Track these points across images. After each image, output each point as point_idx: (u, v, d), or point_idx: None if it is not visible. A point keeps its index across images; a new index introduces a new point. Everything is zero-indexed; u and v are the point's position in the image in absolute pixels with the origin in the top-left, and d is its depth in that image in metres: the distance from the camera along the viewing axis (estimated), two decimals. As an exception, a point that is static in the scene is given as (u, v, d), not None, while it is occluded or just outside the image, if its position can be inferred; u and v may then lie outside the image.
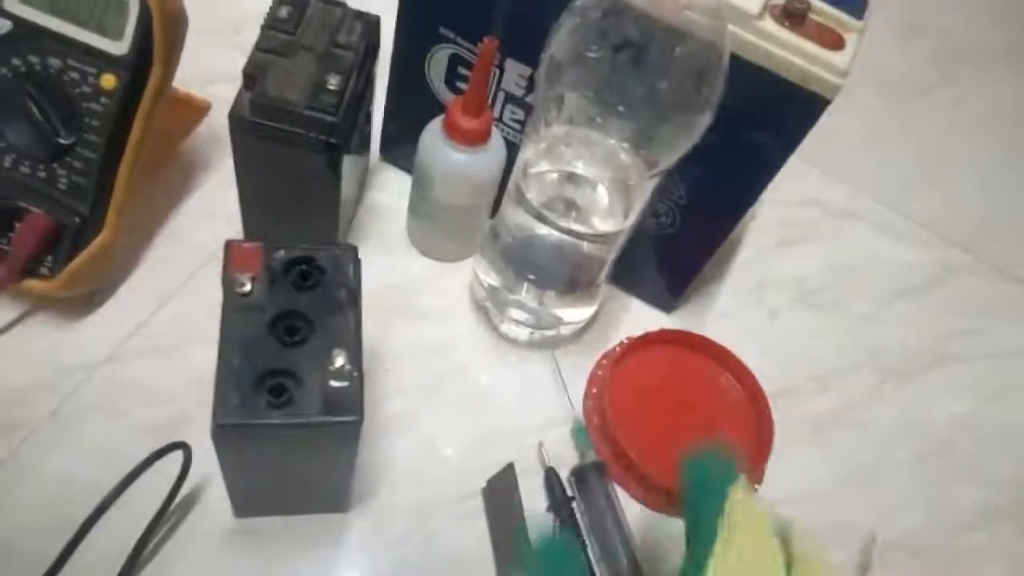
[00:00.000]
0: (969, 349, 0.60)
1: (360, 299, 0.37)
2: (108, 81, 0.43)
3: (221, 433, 0.33)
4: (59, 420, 0.44)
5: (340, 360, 0.34)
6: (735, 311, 0.57)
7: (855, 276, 0.63)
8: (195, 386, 0.45)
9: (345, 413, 0.34)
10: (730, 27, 0.37)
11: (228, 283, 0.36)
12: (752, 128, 0.41)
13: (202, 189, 0.54)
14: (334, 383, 0.34)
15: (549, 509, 0.46)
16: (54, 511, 0.41)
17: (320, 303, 0.36)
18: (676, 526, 0.47)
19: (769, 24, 0.38)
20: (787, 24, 0.39)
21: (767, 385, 0.51)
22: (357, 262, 0.38)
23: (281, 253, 0.37)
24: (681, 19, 0.35)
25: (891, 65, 0.78)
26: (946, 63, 0.82)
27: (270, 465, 0.38)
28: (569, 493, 0.46)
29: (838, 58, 0.38)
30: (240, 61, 0.42)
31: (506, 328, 0.52)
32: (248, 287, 0.36)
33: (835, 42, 0.39)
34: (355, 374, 0.34)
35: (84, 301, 0.48)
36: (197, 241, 0.51)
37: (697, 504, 0.35)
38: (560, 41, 0.37)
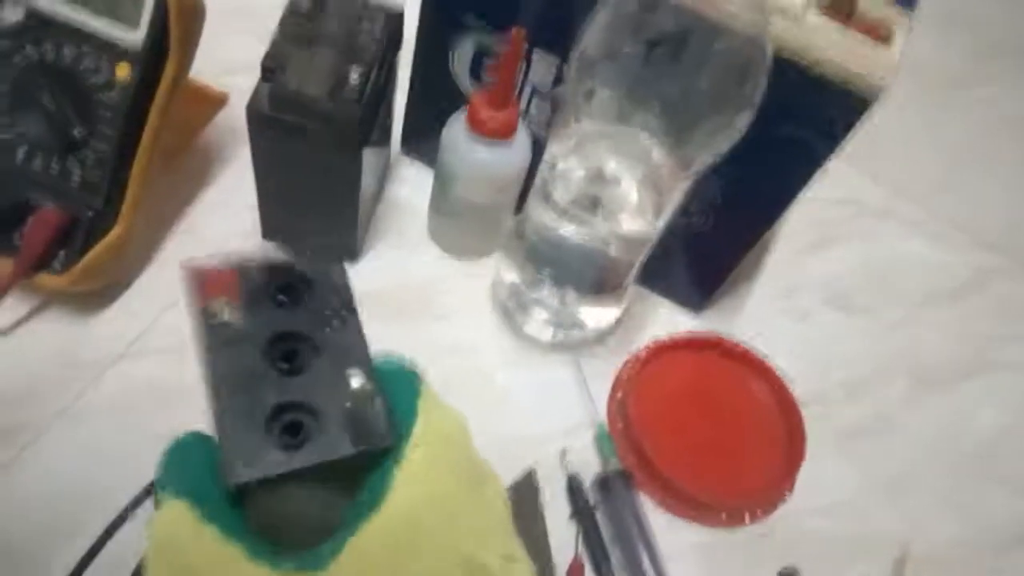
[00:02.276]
0: (1007, 355, 0.58)
1: (355, 304, 0.33)
2: (123, 72, 0.42)
3: (239, 490, 0.29)
4: (70, 419, 0.43)
5: (357, 380, 0.30)
6: (765, 314, 0.55)
7: (888, 279, 0.61)
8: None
9: (376, 440, 0.31)
10: (773, 21, 0.35)
11: (204, 316, 0.31)
12: (793, 127, 0.39)
13: (219, 182, 0.53)
14: (355, 407, 0.30)
15: (572, 517, 0.44)
16: (62, 513, 0.40)
17: (313, 318, 0.32)
18: (703, 535, 0.46)
19: (814, 18, 0.36)
20: (833, 19, 0.37)
21: (797, 391, 0.50)
22: (342, 266, 0.34)
23: (255, 269, 0.33)
24: (721, 13, 0.33)
25: (926, 60, 0.75)
26: (983, 59, 0.79)
27: (293, 501, 0.34)
28: (592, 502, 0.44)
29: (885, 56, 0.37)
30: (258, 51, 0.40)
31: (528, 329, 0.50)
32: (228, 315, 0.32)
33: (882, 39, 0.37)
34: (377, 393, 0.31)
35: (97, 297, 0.46)
36: (213, 235, 0.50)
37: (393, 395, 0.33)
38: (593, 34, 0.36)
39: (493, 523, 0.34)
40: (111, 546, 0.37)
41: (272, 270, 0.33)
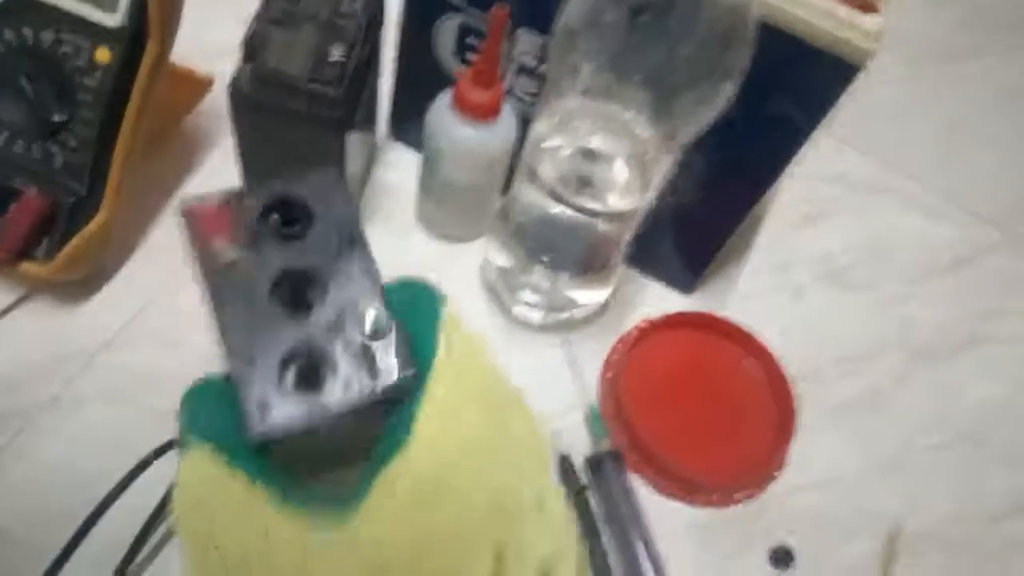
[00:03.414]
0: (1001, 330, 0.57)
1: (363, 231, 0.31)
2: (103, 55, 0.41)
3: (261, 443, 0.29)
4: (58, 407, 0.43)
5: (372, 314, 0.28)
6: (757, 291, 0.55)
7: (882, 254, 0.60)
8: (198, 372, 0.44)
9: (397, 383, 0.29)
10: (756, -11, 0.35)
11: (204, 259, 0.30)
12: (778, 97, 0.39)
13: (205, 167, 0.53)
14: (374, 344, 0.29)
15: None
16: (53, 500, 0.40)
17: (319, 250, 0.30)
18: (695, 514, 0.45)
19: (798, -14, 0.36)
20: (817, -14, 0.36)
21: (790, 368, 0.50)
22: (344, 186, 0.32)
23: (252, 200, 0.30)
24: (704, -20, 0.33)
25: (918, 32, 0.75)
26: (975, 31, 0.78)
27: (315, 439, 0.32)
28: (583, 481, 0.44)
29: (870, 21, 0.36)
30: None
31: (517, 311, 0.50)
32: (229, 256, 0.29)
33: (867, 5, 0.37)
34: (394, 329, 0.29)
35: (82, 284, 0.46)
36: (199, 222, 0.50)
37: (412, 325, 0.32)
38: (575, 5, 0.35)
39: (523, 456, 0.33)
40: (96, 535, 0.37)
41: (270, 201, 0.31)
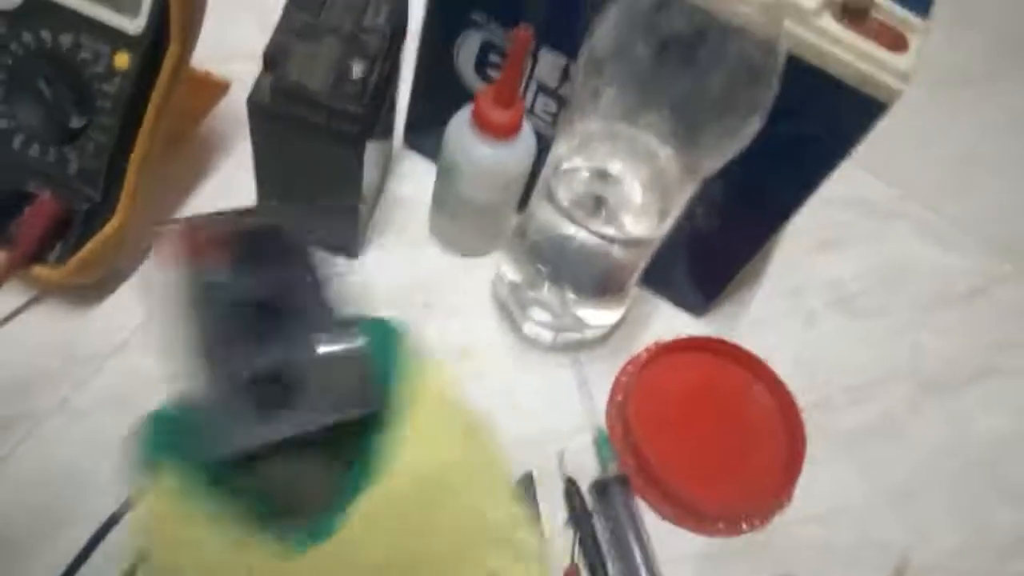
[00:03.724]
0: (1013, 362, 0.57)
1: (324, 263, 0.32)
2: (122, 60, 0.41)
3: (223, 469, 0.29)
4: (68, 412, 0.43)
5: (337, 343, 0.29)
6: (769, 316, 0.55)
7: (895, 281, 0.60)
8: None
9: (359, 404, 0.29)
10: (786, 23, 0.34)
11: (174, 281, 0.30)
12: (803, 131, 0.38)
13: (221, 171, 0.53)
14: (336, 371, 0.29)
15: (568, 522, 0.44)
16: (62, 506, 0.40)
17: (286, 277, 0.31)
18: (701, 543, 0.45)
19: (828, 21, 0.36)
20: (847, 22, 0.36)
21: (800, 395, 0.49)
22: (296, 227, 0.32)
23: (226, 230, 0.31)
24: (735, 14, 0.32)
25: (937, 59, 0.74)
26: (995, 58, 0.78)
27: (283, 468, 0.32)
28: (590, 506, 0.44)
29: (900, 61, 0.36)
30: (263, 38, 0.40)
31: (528, 329, 0.49)
32: (198, 279, 0.30)
33: (898, 43, 0.36)
34: (360, 355, 0.30)
35: (95, 289, 0.46)
36: (213, 227, 0.49)
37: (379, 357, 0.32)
38: (603, 32, 0.35)
39: (493, 482, 0.34)
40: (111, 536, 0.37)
41: (242, 232, 0.31)
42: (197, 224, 0.31)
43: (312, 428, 0.29)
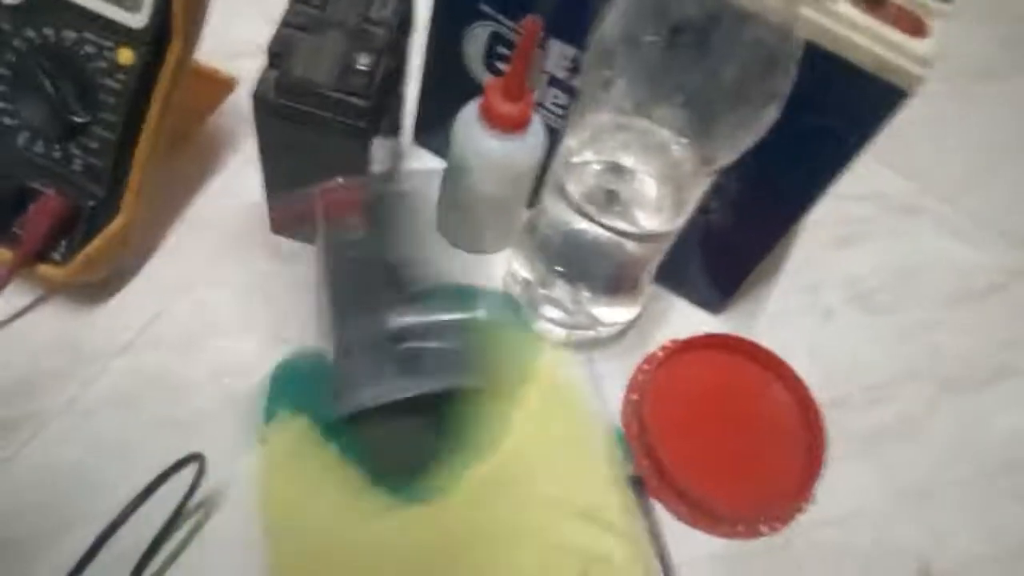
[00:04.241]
0: (1035, 361, 0.56)
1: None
2: (126, 56, 0.40)
3: (351, 420, 0.30)
4: (73, 413, 0.42)
5: (481, 312, 0.31)
6: (786, 314, 0.54)
7: (913, 277, 0.58)
8: (216, 379, 0.43)
9: (492, 376, 0.31)
10: (803, 8, 0.33)
11: (329, 235, 0.31)
12: (821, 121, 0.37)
13: (227, 169, 0.52)
14: (475, 340, 0.31)
15: (582, 523, 0.43)
16: (68, 507, 0.39)
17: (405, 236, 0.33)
18: (718, 545, 0.44)
19: (845, 6, 0.35)
20: (865, 7, 0.35)
21: (817, 394, 0.48)
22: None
23: (383, 191, 0.33)
24: (749, 0, 0.31)
25: (956, 49, 0.72)
26: (1016, 49, 0.76)
27: (397, 431, 0.35)
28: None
29: (921, 46, 0.35)
30: (270, 35, 0.39)
31: (540, 327, 0.48)
32: (352, 236, 0.32)
33: (917, 28, 0.35)
34: (499, 328, 0.32)
35: (100, 287, 0.45)
36: (221, 224, 0.49)
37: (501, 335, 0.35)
38: (613, 21, 0.34)
39: (610, 473, 0.35)
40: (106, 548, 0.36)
41: (398, 194, 0.33)
42: (346, 186, 0.32)
43: (447, 388, 0.30)
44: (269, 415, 0.33)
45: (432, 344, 0.30)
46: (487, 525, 0.32)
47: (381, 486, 0.32)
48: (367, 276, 0.31)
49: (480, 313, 0.31)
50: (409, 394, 0.29)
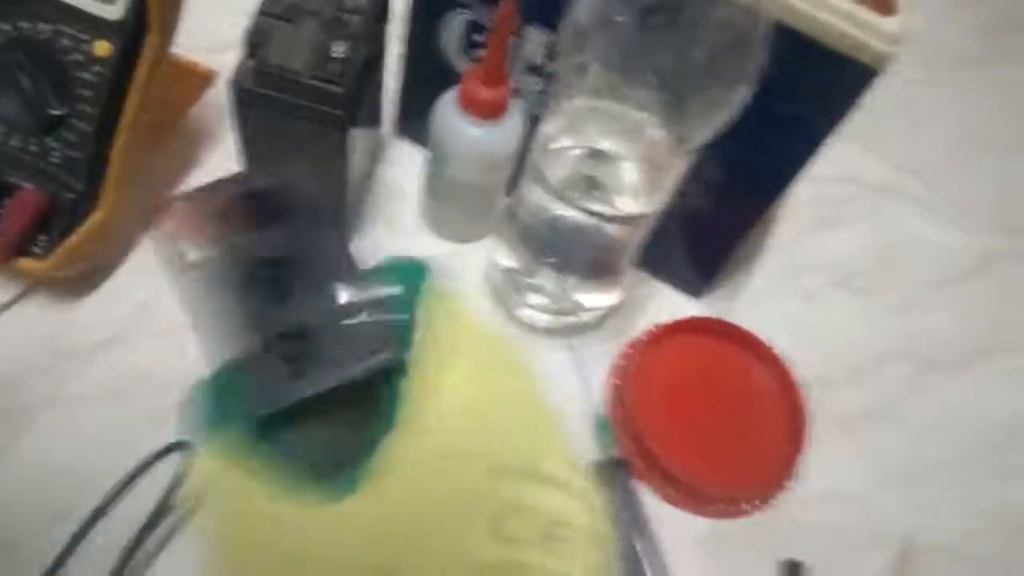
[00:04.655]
0: (1016, 341, 0.56)
1: (331, 211, 0.32)
2: (102, 48, 0.40)
3: (265, 426, 0.30)
4: (57, 407, 0.42)
5: (345, 295, 0.29)
6: (768, 296, 0.54)
7: (894, 259, 0.59)
8: (200, 370, 0.43)
9: (379, 355, 0.30)
10: (772, -12, 0.34)
11: (175, 258, 0.31)
12: (792, 101, 0.37)
13: (208, 162, 0.52)
14: (352, 324, 0.30)
15: (567, 506, 0.43)
16: (50, 501, 0.39)
17: (290, 235, 0.31)
18: (703, 525, 0.44)
19: (815, -15, 0.35)
20: (835, -14, 0.35)
21: (800, 375, 0.48)
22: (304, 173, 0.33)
23: (218, 195, 0.32)
24: (718, -21, 0.32)
25: (935, 35, 0.73)
26: (994, 35, 0.77)
27: (313, 428, 0.34)
28: (588, 490, 0.43)
29: (889, 24, 0.35)
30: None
31: (523, 314, 0.49)
32: (199, 252, 0.31)
33: (885, 6, 0.35)
34: (374, 305, 0.30)
35: (81, 282, 0.45)
36: (201, 218, 0.49)
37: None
38: (584, 3, 0.34)
39: (528, 423, 0.34)
40: (100, 527, 0.37)
41: (234, 192, 0.32)
42: (200, 195, 0.31)
43: (339, 382, 0.29)
44: (196, 432, 0.33)
45: (329, 334, 0.29)
46: (432, 501, 0.31)
47: (312, 484, 0.31)
48: (254, 279, 0.30)
49: (381, 291, 0.30)
50: (302, 396, 0.29)
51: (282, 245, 0.31)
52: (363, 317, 0.29)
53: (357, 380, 0.29)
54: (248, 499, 0.31)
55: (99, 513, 0.37)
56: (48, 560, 0.36)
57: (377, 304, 0.29)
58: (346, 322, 0.29)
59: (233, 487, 0.31)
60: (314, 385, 0.29)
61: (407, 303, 0.33)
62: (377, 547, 0.30)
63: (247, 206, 0.31)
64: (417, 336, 0.32)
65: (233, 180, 0.32)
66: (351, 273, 0.30)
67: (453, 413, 0.32)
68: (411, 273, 0.34)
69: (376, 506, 0.31)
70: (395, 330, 0.30)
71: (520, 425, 0.34)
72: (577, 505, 0.33)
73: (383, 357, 0.29)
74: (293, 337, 0.29)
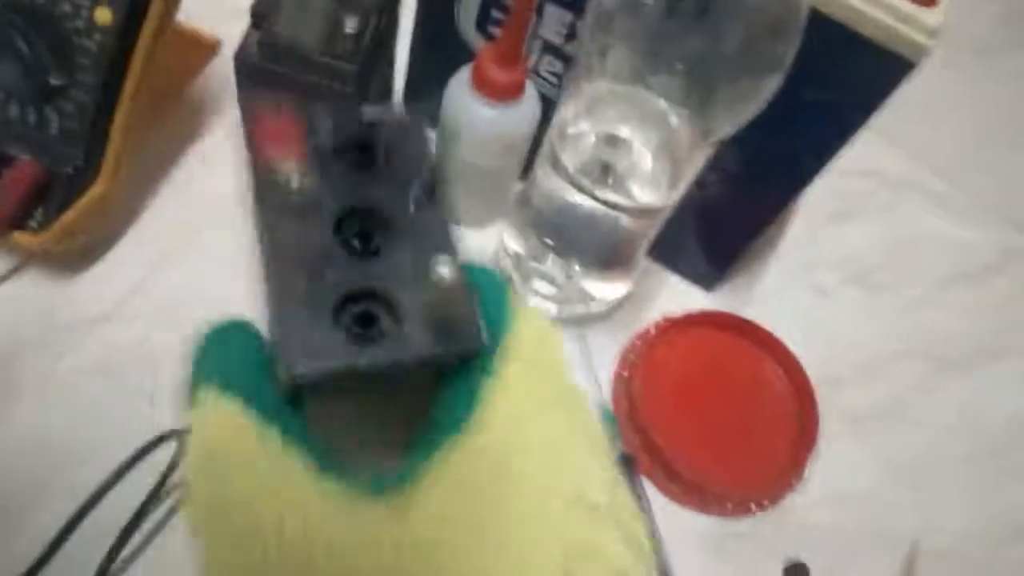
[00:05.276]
0: (1030, 342, 0.55)
1: (440, 183, 0.28)
2: (103, 16, 0.39)
3: (300, 384, 0.25)
4: (52, 383, 0.41)
5: (446, 269, 0.24)
6: (781, 291, 0.53)
7: (910, 256, 0.58)
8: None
9: (466, 342, 0.25)
10: (808, -25, 0.32)
11: (265, 174, 0.26)
12: (824, 93, 0.36)
13: (211, 135, 0.50)
14: (442, 301, 0.25)
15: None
16: (45, 477, 0.39)
17: (393, 189, 0.27)
18: (708, 524, 0.44)
19: (853, -27, 0.33)
20: (873, -26, 0.33)
21: (811, 372, 0.47)
22: (425, 135, 0.29)
23: (328, 125, 0.27)
24: (753, -36, 0.30)
25: (958, 24, 0.71)
26: (1017, 25, 0.75)
27: (355, 409, 0.30)
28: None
29: (930, 16, 0.33)
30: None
31: (531, 302, 0.48)
32: (293, 179, 0.26)
33: (926, -2, 0.34)
34: (468, 288, 0.26)
35: (79, 256, 0.44)
36: (204, 192, 0.48)
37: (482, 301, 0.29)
38: (611, -15, 0.32)
39: (592, 458, 0.29)
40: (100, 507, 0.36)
41: (344, 123, 0.27)
42: (270, 108, 0.27)
43: (407, 360, 0.25)
44: (194, 394, 0.27)
45: (391, 306, 0.25)
46: (490, 526, 0.26)
47: (335, 475, 0.26)
48: (310, 230, 0.26)
49: (450, 271, 0.25)
50: (362, 364, 0.24)
51: (380, 195, 0.27)
52: (449, 295, 0.25)
53: (436, 360, 0.25)
54: (252, 480, 0.25)
55: (90, 504, 0.35)
56: (34, 539, 0.35)
57: (465, 286, 0.25)
58: (429, 295, 0.25)
59: (248, 459, 0.25)
60: (384, 355, 0.24)
61: (502, 299, 0.29)
62: (408, 566, 0.25)
63: (346, 141, 0.27)
64: (506, 339, 0.27)
65: (339, 111, 0.28)
66: (449, 247, 0.27)
67: (531, 436, 0.27)
68: (490, 278, 0.30)
69: (418, 518, 0.26)
70: (478, 319, 0.26)
71: (598, 469, 0.29)
72: (609, 535, 0.29)
73: (471, 342, 0.25)
74: (368, 299, 0.26)
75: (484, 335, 0.26)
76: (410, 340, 0.25)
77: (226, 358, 0.27)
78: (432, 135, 0.28)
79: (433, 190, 0.28)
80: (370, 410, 0.28)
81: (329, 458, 0.26)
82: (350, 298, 0.25)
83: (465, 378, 0.27)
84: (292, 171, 0.26)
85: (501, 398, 0.27)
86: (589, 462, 0.29)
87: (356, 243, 0.26)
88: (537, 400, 0.28)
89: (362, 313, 0.25)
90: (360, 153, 0.27)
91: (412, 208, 0.27)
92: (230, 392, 0.26)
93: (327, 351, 0.24)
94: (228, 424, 0.26)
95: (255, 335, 0.27)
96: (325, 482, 0.25)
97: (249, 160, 0.27)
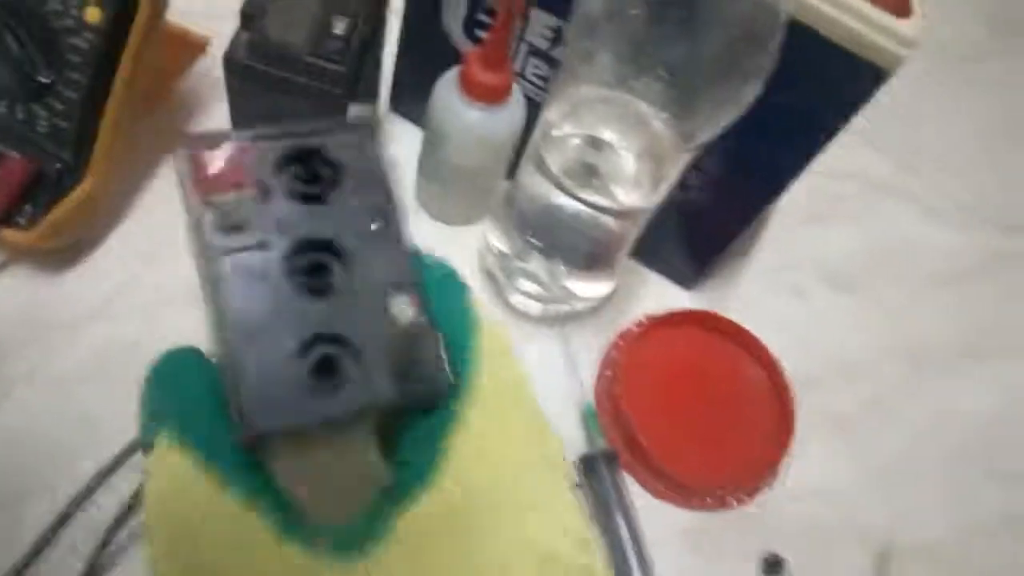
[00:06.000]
0: (1009, 344, 0.56)
1: (399, 203, 0.26)
2: (93, 14, 0.39)
3: (253, 446, 0.23)
4: (39, 382, 0.41)
5: (404, 309, 0.23)
6: (760, 291, 0.54)
7: (888, 258, 0.59)
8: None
9: (430, 387, 0.24)
10: (787, -16, 0.33)
11: (205, 217, 0.24)
12: (801, 99, 0.37)
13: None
14: (403, 344, 0.24)
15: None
16: (30, 477, 0.39)
17: (346, 217, 0.25)
18: (688, 518, 0.44)
19: (831, -17, 0.34)
20: (850, -16, 0.34)
21: (790, 371, 0.48)
22: (379, 147, 0.27)
23: (266, 147, 0.25)
24: (734, -27, 0.31)
25: (939, 32, 0.72)
26: (999, 33, 0.76)
27: (319, 456, 0.27)
28: (577, 481, 0.43)
29: (904, 26, 0.34)
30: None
31: (516, 300, 0.48)
32: (236, 216, 0.24)
33: (901, 7, 0.35)
34: (432, 328, 0.24)
35: (67, 254, 0.44)
36: (191, 191, 0.48)
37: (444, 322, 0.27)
38: (596, -8, 0.33)
39: (563, 499, 0.28)
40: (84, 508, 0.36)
41: (289, 152, 0.25)
42: (207, 146, 0.24)
43: (371, 406, 0.24)
44: (147, 436, 0.25)
45: (350, 349, 0.24)
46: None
47: (297, 538, 0.24)
48: (260, 274, 0.24)
49: (411, 314, 0.24)
50: (324, 414, 0.23)
51: (332, 225, 0.24)
52: (415, 335, 0.24)
53: (402, 404, 0.24)
54: (209, 540, 0.24)
55: (77, 503, 0.36)
56: (21, 537, 0.35)
57: (433, 327, 0.24)
58: (394, 339, 0.24)
59: (190, 520, 0.24)
60: (344, 403, 0.23)
61: (464, 326, 0.27)
62: None
63: (290, 169, 0.25)
64: (473, 373, 0.26)
65: (274, 132, 0.25)
66: (409, 282, 0.25)
67: (499, 485, 0.26)
68: (454, 290, 0.28)
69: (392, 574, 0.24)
70: (446, 358, 0.25)
71: (553, 502, 0.27)
72: None
73: (438, 385, 0.24)
74: (325, 342, 0.24)
75: (450, 376, 0.25)
76: (374, 385, 0.24)
77: (182, 396, 0.25)
78: (388, 154, 0.27)
79: (392, 216, 0.26)
80: (331, 456, 0.26)
81: (290, 519, 0.25)
82: (308, 344, 0.24)
83: (428, 420, 0.26)
84: (231, 206, 0.24)
85: (464, 441, 0.26)
86: (562, 515, 0.27)
87: (310, 280, 0.24)
88: (507, 447, 0.27)
89: (322, 358, 0.23)
90: (308, 183, 0.25)
91: (368, 237, 0.25)
92: (188, 439, 0.24)
93: (286, 403, 0.23)
94: (187, 478, 0.24)
95: (211, 366, 0.25)
96: (287, 546, 0.24)
97: (184, 204, 0.24)
